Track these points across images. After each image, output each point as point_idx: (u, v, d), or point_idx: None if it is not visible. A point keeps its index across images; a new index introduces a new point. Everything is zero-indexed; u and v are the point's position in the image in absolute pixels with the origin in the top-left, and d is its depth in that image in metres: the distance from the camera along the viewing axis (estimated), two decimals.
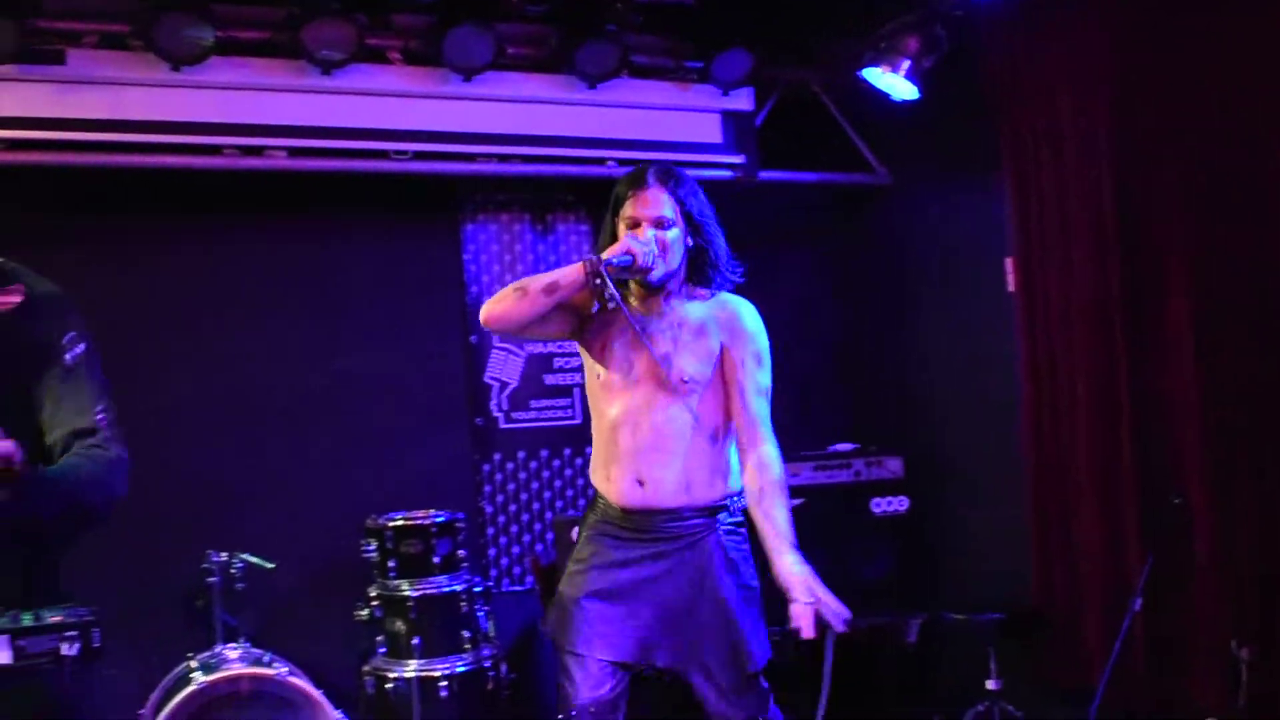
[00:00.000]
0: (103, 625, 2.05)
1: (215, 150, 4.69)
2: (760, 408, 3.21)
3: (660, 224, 3.13)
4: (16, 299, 2.40)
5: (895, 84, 5.00)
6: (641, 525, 3.19)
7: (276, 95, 4.69)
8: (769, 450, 3.17)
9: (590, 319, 3.26)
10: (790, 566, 2.96)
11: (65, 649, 2.00)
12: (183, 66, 4.42)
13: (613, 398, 3.22)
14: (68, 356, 2.38)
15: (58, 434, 2.35)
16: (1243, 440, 4.13)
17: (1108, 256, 4.49)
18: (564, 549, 4.58)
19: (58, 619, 2.04)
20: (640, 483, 3.17)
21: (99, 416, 2.36)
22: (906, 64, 4.94)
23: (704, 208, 3.22)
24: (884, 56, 4.96)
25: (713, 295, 3.27)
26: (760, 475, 3.13)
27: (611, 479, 3.21)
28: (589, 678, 3.11)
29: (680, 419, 3.18)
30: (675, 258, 3.16)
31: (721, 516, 3.20)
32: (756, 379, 3.22)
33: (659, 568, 3.17)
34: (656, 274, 3.12)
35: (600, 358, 3.26)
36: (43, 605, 2.19)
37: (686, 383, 3.17)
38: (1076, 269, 4.63)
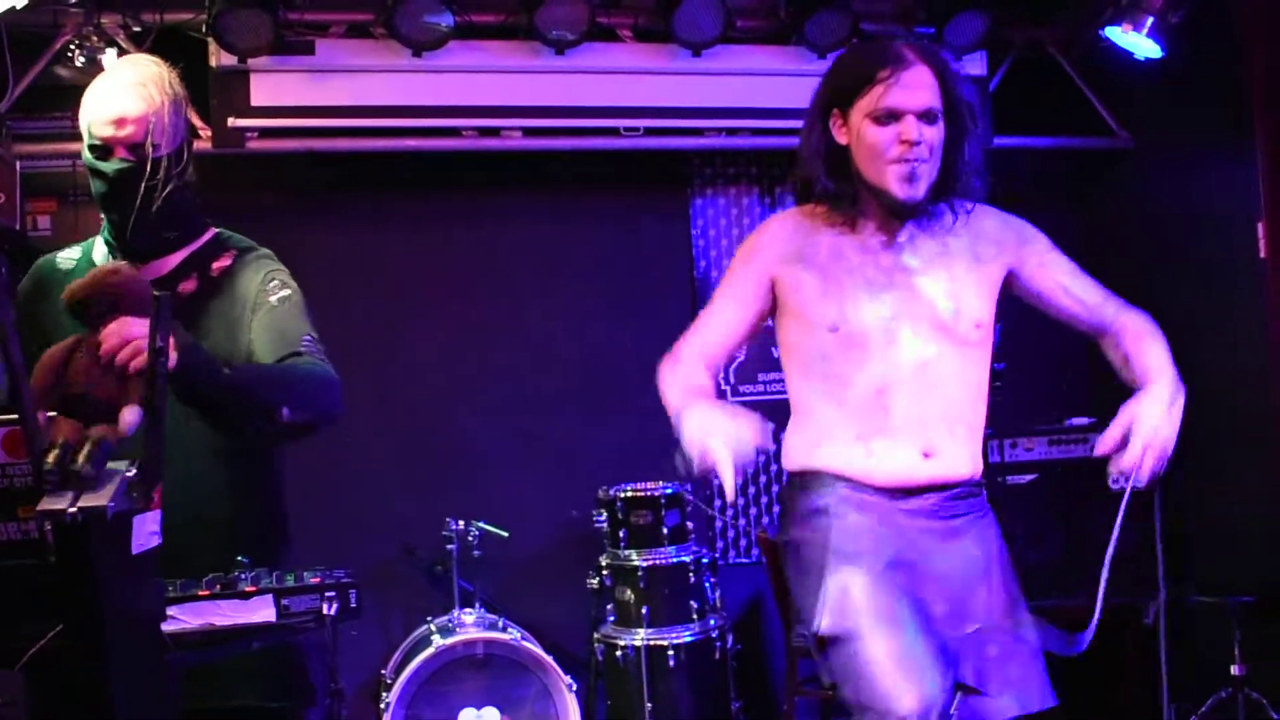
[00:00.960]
0: (360, 587, 2.16)
1: (455, 132, 4.87)
2: (1099, 288, 2.65)
3: (929, 117, 2.41)
4: (227, 262, 2.55)
5: (1138, 42, 4.79)
6: (926, 507, 2.46)
7: (512, 76, 4.81)
8: (1138, 316, 2.65)
9: (789, 260, 2.53)
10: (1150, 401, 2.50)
11: (326, 608, 2.11)
12: (423, 52, 4.58)
13: (865, 355, 2.45)
14: (273, 298, 2.51)
15: (266, 360, 2.45)
16: None
17: None
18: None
19: (318, 579, 2.15)
20: (927, 455, 2.45)
21: (305, 341, 2.47)
22: (1150, 20, 4.72)
23: (967, 93, 2.51)
24: (1126, 13, 4.75)
25: (963, 208, 2.55)
26: (1133, 327, 2.62)
27: (876, 454, 2.44)
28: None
29: (969, 374, 2.52)
30: (938, 164, 2.45)
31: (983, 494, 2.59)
32: (1070, 266, 2.64)
33: (955, 554, 2.46)
34: (920, 191, 2.42)
35: (831, 305, 2.46)
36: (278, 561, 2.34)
37: (979, 327, 2.51)
38: None
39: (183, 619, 2.04)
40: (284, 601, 2.10)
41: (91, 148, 2.42)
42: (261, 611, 2.09)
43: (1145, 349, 2.61)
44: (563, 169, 5.20)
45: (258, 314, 2.48)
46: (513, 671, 4.34)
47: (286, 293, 2.53)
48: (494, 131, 4.90)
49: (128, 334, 1.99)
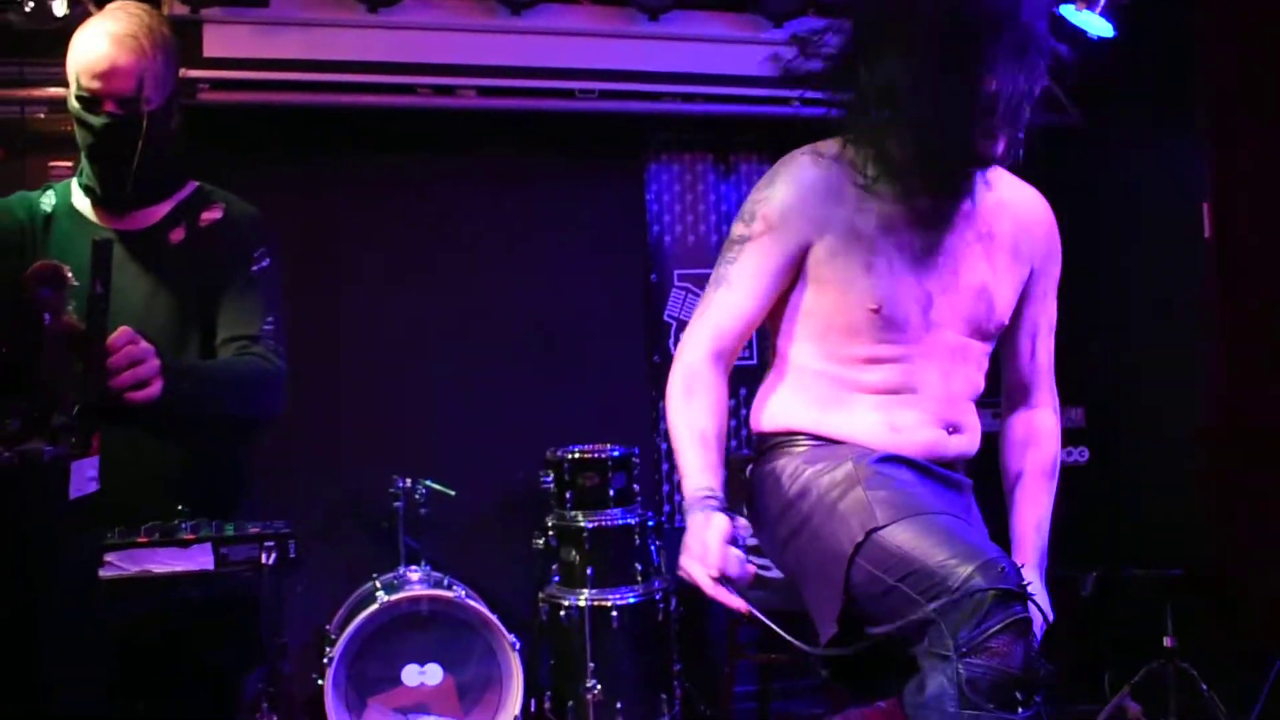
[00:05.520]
0: (298, 538, 2.17)
1: (409, 89, 4.83)
2: (1051, 354, 2.49)
3: None
4: (217, 215, 2.54)
5: (1091, 20, 4.81)
6: (951, 482, 2.32)
7: (468, 35, 4.78)
8: (1050, 419, 2.49)
9: (827, 226, 2.21)
10: None
11: (264, 558, 2.12)
12: (379, 7, 4.55)
13: (902, 336, 2.23)
14: (254, 268, 2.52)
15: (224, 335, 2.50)
16: None
17: None
18: (735, 487, 4.61)
19: (257, 530, 2.17)
20: (954, 428, 2.31)
21: (266, 326, 2.49)
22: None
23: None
24: None
25: (1013, 184, 2.37)
26: (1030, 453, 2.48)
27: (902, 428, 2.25)
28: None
29: (984, 361, 2.37)
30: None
31: None
32: (1054, 314, 2.47)
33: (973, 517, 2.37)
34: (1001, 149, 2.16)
35: (877, 284, 2.20)
36: (231, 514, 2.35)
37: (1001, 328, 2.36)
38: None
39: (120, 565, 2.05)
40: (222, 550, 2.12)
41: (79, 98, 2.39)
42: (199, 559, 2.11)
43: (1039, 493, 2.47)
44: (518, 130, 5.18)
45: (236, 281, 2.48)
46: (457, 629, 4.36)
47: (265, 264, 2.53)
48: (449, 90, 4.87)
49: (136, 356, 2.03)
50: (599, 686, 4.45)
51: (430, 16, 4.71)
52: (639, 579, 4.63)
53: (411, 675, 4.33)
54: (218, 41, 4.52)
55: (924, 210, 2.23)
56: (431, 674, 4.34)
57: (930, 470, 2.28)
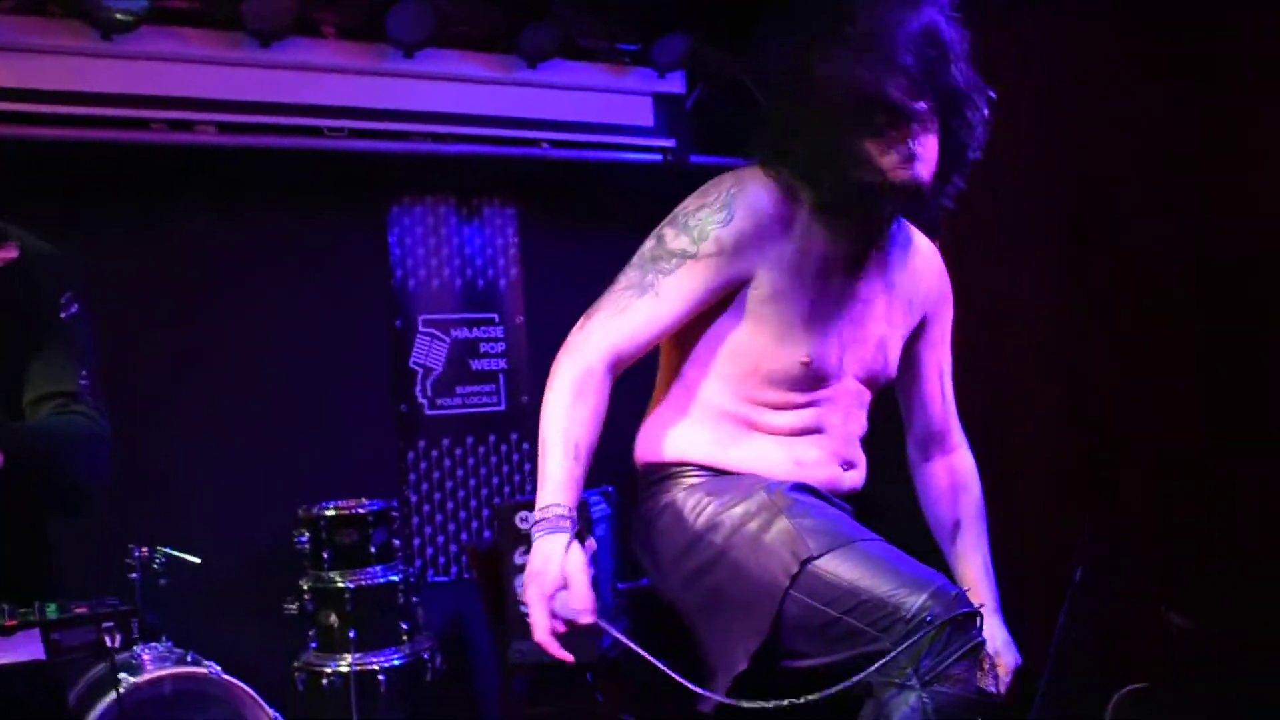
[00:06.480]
0: (139, 615, 1.92)
1: (143, 124, 4.48)
2: (953, 396, 2.52)
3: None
4: (12, 254, 2.25)
5: None
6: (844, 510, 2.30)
7: (209, 68, 4.51)
8: (969, 459, 2.55)
9: (776, 260, 2.15)
10: None
11: (109, 641, 1.86)
12: (113, 35, 4.20)
13: (819, 384, 2.23)
14: (63, 315, 2.25)
15: (36, 392, 2.23)
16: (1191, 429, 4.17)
17: (1050, 249, 4.49)
18: (507, 536, 4.48)
19: (85, 610, 1.91)
20: (850, 465, 2.31)
21: (82, 381, 2.24)
22: None
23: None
24: None
25: (912, 235, 2.38)
26: (962, 499, 2.53)
27: (805, 463, 2.22)
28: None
29: (865, 417, 2.39)
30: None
31: None
32: (950, 357, 2.51)
33: None
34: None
35: (813, 338, 2.19)
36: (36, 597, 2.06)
37: (888, 380, 2.39)
38: (1012, 263, 4.65)
39: None
40: (54, 636, 1.84)
41: None
42: (27, 649, 1.82)
43: (979, 537, 2.53)
44: (259, 168, 4.87)
45: (45, 330, 2.20)
46: (208, 707, 4.01)
47: (75, 310, 2.25)
48: (187, 125, 4.54)
49: None
50: None
51: (169, 46, 4.41)
52: (405, 638, 4.44)
53: None
54: None
55: (851, 256, 2.22)
56: None
57: (830, 499, 2.26)
